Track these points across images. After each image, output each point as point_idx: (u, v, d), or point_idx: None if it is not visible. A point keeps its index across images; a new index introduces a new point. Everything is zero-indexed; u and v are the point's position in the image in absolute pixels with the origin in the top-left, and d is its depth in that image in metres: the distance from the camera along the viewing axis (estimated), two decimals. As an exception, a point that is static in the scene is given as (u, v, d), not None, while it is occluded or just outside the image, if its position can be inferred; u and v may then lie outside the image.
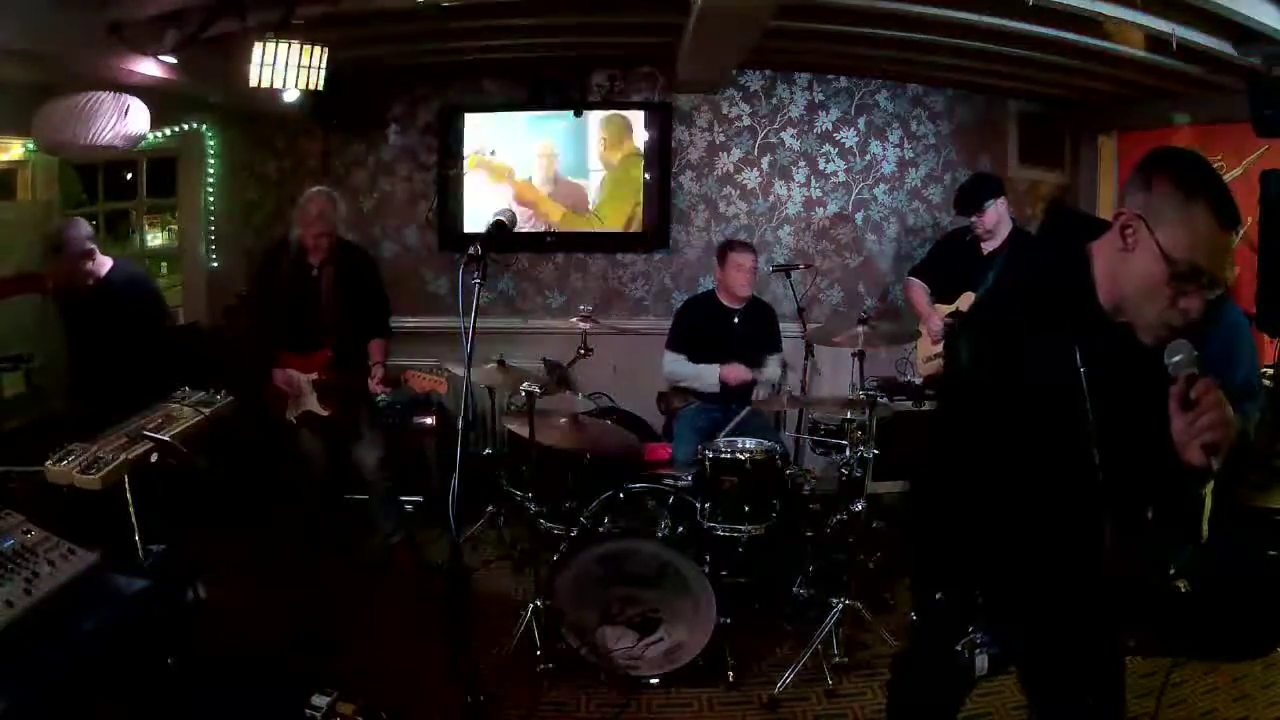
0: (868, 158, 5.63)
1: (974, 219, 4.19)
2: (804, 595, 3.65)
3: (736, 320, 4.41)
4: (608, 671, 3.27)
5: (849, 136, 5.61)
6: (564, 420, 3.62)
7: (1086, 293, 1.72)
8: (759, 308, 4.53)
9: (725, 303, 4.44)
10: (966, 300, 4.13)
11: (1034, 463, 1.75)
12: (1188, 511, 3.01)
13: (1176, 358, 1.58)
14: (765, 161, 5.61)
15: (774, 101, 5.56)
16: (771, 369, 4.42)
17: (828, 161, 5.63)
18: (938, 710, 2.18)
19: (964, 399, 1.90)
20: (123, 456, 2.64)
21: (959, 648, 1.82)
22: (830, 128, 5.59)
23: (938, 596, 1.92)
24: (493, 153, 5.51)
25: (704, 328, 4.40)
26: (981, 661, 1.82)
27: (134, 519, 2.69)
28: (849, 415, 3.85)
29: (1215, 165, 1.91)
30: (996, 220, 4.14)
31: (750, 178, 5.62)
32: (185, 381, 3.17)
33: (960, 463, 1.89)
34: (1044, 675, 1.93)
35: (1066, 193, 5.90)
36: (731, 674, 3.26)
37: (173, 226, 5.81)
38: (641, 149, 5.51)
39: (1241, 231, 4.22)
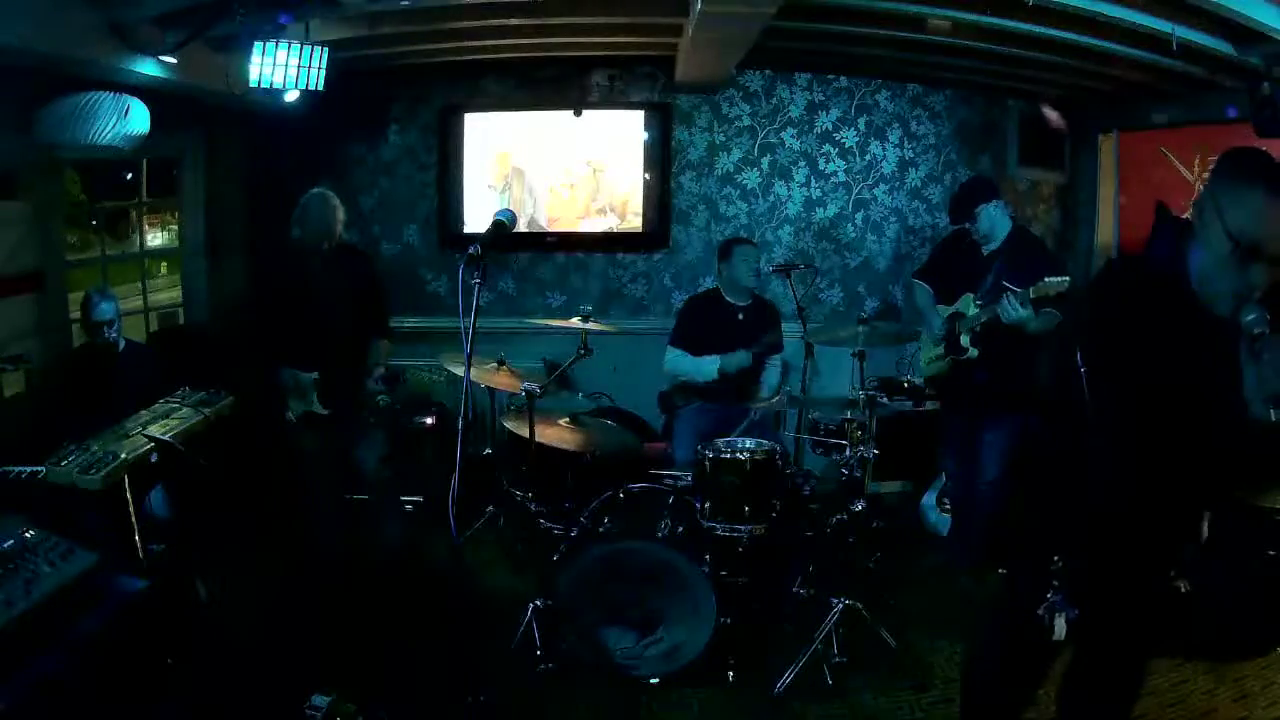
0: (868, 158, 5.63)
1: (968, 225, 4.10)
2: (804, 595, 3.65)
3: (741, 316, 4.42)
4: (608, 671, 3.27)
5: (849, 136, 5.60)
6: (564, 420, 3.62)
7: (1181, 277, 1.96)
8: (763, 306, 4.53)
9: (730, 300, 4.44)
10: (966, 302, 4.10)
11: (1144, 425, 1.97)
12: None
13: (1250, 317, 1.82)
14: (765, 161, 5.61)
15: (774, 101, 5.56)
16: (772, 373, 4.42)
17: (828, 161, 5.62)
18: (1020, 680, 2.20)
19: (1081, 377, 2.12)
20: (123, 456, 2.64)
21: (1040, 611, 1.89)
22: (830, 128, 5.59)
23: (1021, 561, 2.03)
24: (494, 152, 5.51)
25: (708, 324, 4.40)
26: (1060, 625, 1.89)
27: (134, 519, 2.70)
28: (849, 415, 3.85)
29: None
30: (990, 225, 4.02)
31: (750, 178, 5.62)
32: (185, 381, 3.17)
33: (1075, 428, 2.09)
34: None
35: (1067, 193, 5.90)
36: (731, 674, 3.26)
37: (173, 226, 5.80)
38: (641, 149, 5.52)
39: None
